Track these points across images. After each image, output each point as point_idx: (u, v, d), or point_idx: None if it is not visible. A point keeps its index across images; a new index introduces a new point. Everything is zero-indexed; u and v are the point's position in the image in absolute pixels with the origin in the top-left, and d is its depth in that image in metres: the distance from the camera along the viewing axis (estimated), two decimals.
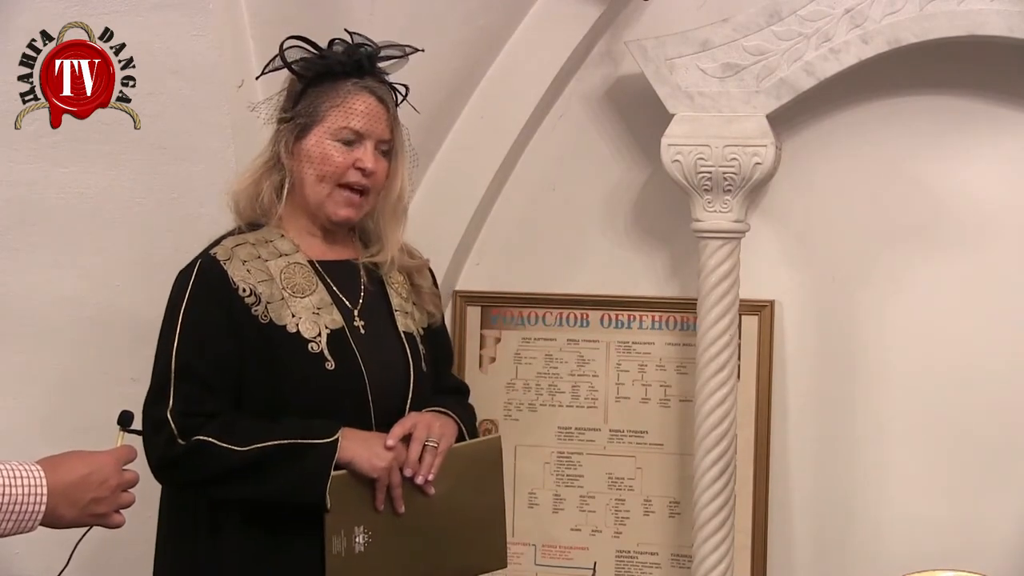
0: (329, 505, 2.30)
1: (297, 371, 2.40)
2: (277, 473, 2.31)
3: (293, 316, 2.41)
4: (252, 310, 2.39)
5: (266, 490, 2.33)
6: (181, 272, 2.45)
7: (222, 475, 2.31)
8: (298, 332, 2.41)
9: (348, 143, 2.48)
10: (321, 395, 2.41)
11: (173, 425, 2.31)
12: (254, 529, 2.38)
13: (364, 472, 2.35)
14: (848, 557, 3.29)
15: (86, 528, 2.06)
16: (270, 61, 2.53)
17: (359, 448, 2.35)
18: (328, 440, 2.33)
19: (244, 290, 2.39)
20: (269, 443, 2.31)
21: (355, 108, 2.48)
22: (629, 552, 3.41)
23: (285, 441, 2.32)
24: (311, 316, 2.43)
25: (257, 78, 2.57)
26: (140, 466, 2.08)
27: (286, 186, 2.50)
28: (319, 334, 2.42)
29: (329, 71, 2.50)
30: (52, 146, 2.85)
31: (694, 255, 3.19)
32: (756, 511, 3.29)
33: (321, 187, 2.48)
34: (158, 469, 2.36)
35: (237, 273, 2.40)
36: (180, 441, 2.30)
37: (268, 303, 2.40)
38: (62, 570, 2.21)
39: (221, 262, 2.41)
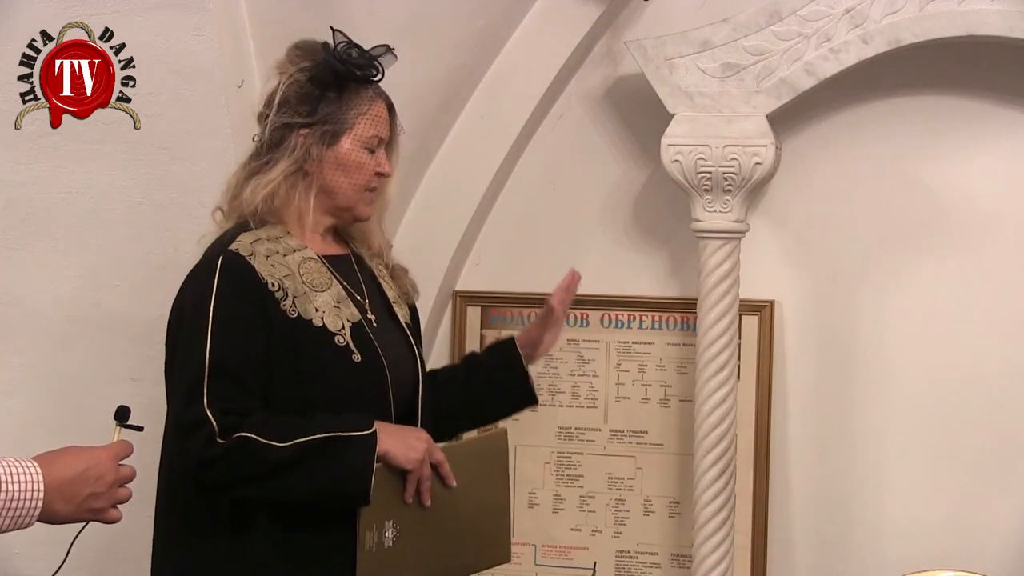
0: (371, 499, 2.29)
1: (326, 365, 2.39)
2: (320, 468, 2.28)
3: (317, 310, 2.40)
4: (280, 304, 2.37)
5: (309, 485, 2.30)
6: (199, 269, 2.41)
7: (265, 473, 2.28)
8: (324, 326, 2.40)
9: (371, 150, 2.50)
10: (348, 388, 2.40)
11: (214, 424, 2.27)
12: (281, 525, 2.36)
13: (399, 464, 2.33)
14: (848, 557, 3.29)
15: (83, 524, 2.06)
16: (310, 62, 2.51)
17: (393, 440, 2.34)
18: (367, 432, 2.31)
19: (272, 285, 2.37)
20: (310, 437, 2.28)
21: (380, 116, 2.50)
22: (629, 552, 3.41)
23: (326, 435, 2.29)
24: (332, 310, 2.43)
25: (288, 76, 2.55)
26: (137, 461, 2.08)
27: (313, 191, 2.49)
28: (343, 327, 2.42)
29: (351, 77, 2.50)
30: (52, 146, 2.86)
31: (694, 255, 3.19)
32: (756, 511, 3.29)
33: (356, 194, 2.49)
34: (197, 469, 2.32)
35: (263, 268, 2.38)
36: (220, 440, 2.26)
37: (295, 297, 2.39)
38: (59, 567, 2.21)
39: (245, 257, 2.38)
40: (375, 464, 2.30)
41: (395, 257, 2.69)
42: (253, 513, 2.36)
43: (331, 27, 2.53)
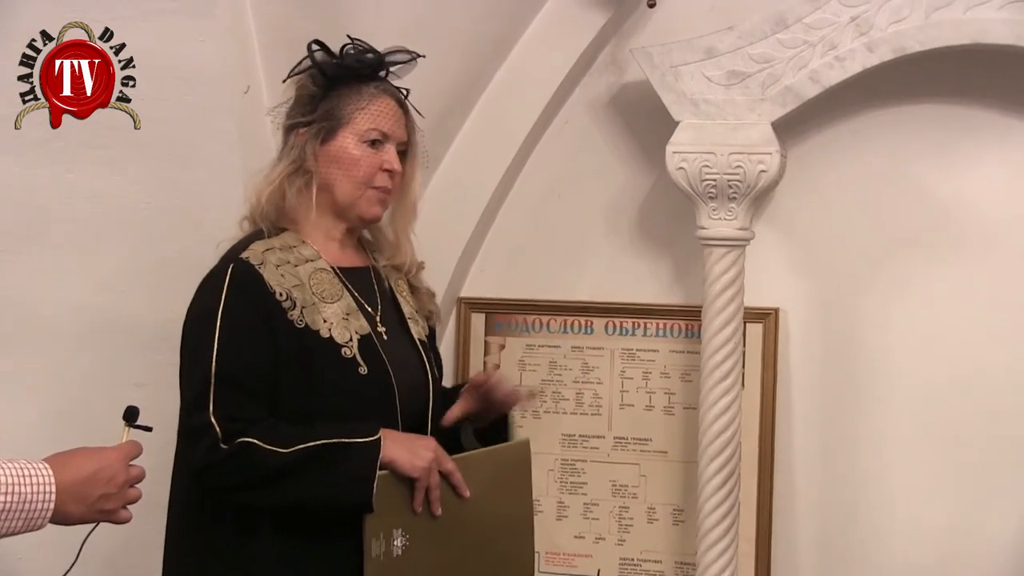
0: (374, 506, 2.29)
1: (331, 376, 2.39)
2: (322, 474, 2.29)
3: (325, 321, 2.41)
4: (288, 314, 2.38)
5: (311, 492, 2.30)
6: (210, 276, 2.42)
7: (267, 478, 2.29)
8: (331, 337, 2.40)
9: (373, 144, 2.49)
10: (354, 400, 2.40)
11: (218, 429, 2.28)
12: (287, 531, 2.35)
13: (405, 472, 2.33)
14: (852, 564, 3.29)
15: (93, 525, 2.06)
16: (298, 64, 2.53)
17: (399, 448, 2.34)
18: (371, 439, 2.31)
19: (281, 294, 2.38)
20: (313, 443, 2.29)
21: (381, 110, 2.50)
22: (633, 560, 3.40)
23: (329, 441, 2.30)
24: (341, 321, 2.43)
25: (284, 81, 2.56)
26: (146, 462, 2.07)
27: (313, 189, 2.50)
28: (351, 339, 2.42)
29: (352, 74, 2.51)
30: (54, 149, 2.84)
31: (699, 262, 3.19)
32: (760, 518, 3.29)
33: (355, 190, 2.49)
34: (201, 474, 2.33)
35: (272, 277, 2.39)
36: (223, 445, 2.28)
37: (303, 308, 2.39)
38: (70, 568, 2.20)
39: (255, 266, 2.39)
40: (379, 471, 2.30)
41: (425, 279, 2.69)
42: (258, 519, 2.36)
43: (348, 36, 2.55)
